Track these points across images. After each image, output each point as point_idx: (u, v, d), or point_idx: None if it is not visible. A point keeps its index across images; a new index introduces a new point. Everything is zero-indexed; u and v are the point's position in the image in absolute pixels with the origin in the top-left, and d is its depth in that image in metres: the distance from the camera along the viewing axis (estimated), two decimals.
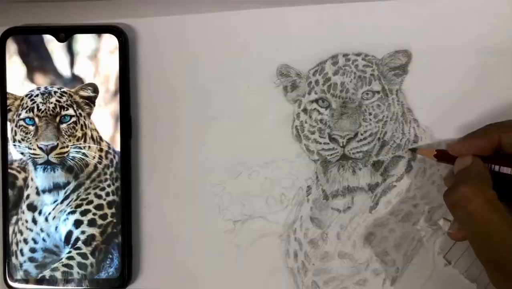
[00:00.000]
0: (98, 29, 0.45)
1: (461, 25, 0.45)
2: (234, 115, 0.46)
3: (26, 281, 0.43)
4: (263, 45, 0.46)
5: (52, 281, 0.43)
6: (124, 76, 0.45)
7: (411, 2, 0.45)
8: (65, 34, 0.45)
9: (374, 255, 0.46)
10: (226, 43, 0.46)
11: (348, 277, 0.46)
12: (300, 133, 0.46)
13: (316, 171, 0.46)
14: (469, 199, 0.37)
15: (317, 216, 0.46)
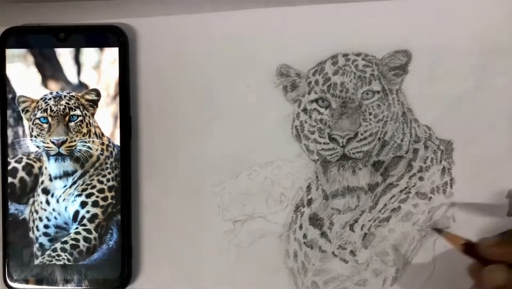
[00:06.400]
0: (98, 29, 0.46)
1: (461, 25, 0.45)
2: (234, 115, 0.46)
3: (25, 281, 0.43)
4: (263, 45, 0.46)
5: (51, 281, 0.43)
6: (124, 77, 0.45)
7: (411, 2, 0.45)
8: (65, 34, 0.45)
9: (374, 255, 0.46)
10: (226, 43, 0.46)
11: (348, 277, 0.46)
12: (300, 133, 0.46)
13: (316, 171, 0.46)
14: None
15: (317, 216, 0.46)
